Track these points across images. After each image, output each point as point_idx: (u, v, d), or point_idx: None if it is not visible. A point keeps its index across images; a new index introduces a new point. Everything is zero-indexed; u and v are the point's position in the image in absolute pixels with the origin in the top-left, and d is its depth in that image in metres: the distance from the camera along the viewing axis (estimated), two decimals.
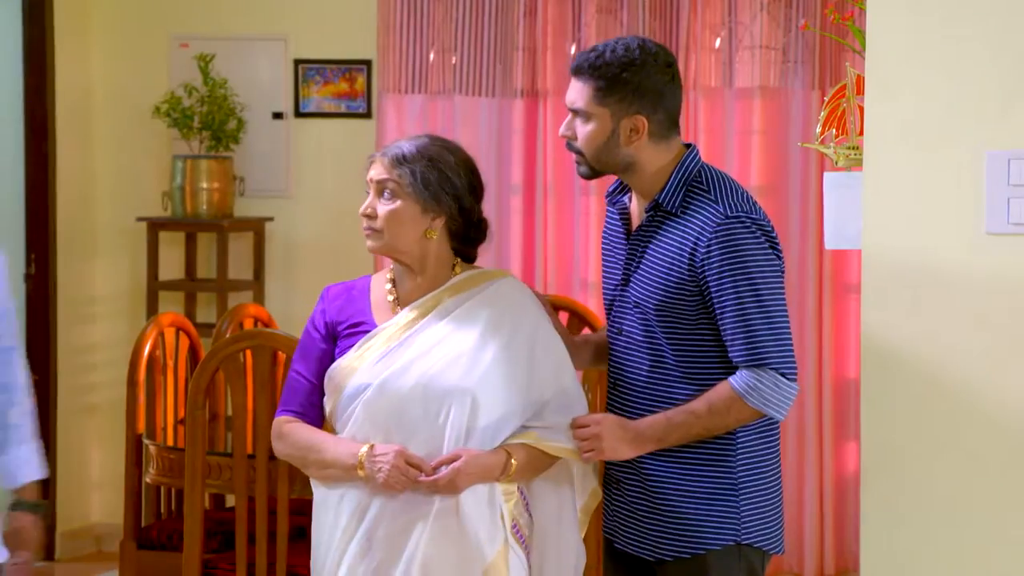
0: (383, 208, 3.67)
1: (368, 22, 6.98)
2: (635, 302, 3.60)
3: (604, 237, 3.79)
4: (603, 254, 3.78)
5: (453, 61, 6.98)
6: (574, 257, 6.99)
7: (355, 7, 7.01)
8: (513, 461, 3.64)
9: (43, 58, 6.96)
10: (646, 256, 3.60)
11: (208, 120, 6.90)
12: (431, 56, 7.00)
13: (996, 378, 4.18)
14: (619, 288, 3.66)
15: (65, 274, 6.97)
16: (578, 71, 3.59)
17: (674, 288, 3.54)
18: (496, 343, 3.68)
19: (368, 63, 7.02)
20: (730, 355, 3.53)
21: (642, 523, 3.61)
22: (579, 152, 3.62)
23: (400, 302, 3.73)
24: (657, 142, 3.60)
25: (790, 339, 3.55)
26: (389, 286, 3.75)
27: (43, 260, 7.00)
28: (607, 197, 3.77)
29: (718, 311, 3.52)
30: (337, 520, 3.66)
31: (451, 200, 3.69)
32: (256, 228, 7.02)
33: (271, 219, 7.06)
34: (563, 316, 5.31)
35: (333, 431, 3.71)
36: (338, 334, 3.73)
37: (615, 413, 3.66)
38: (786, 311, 3.57)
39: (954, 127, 4.17)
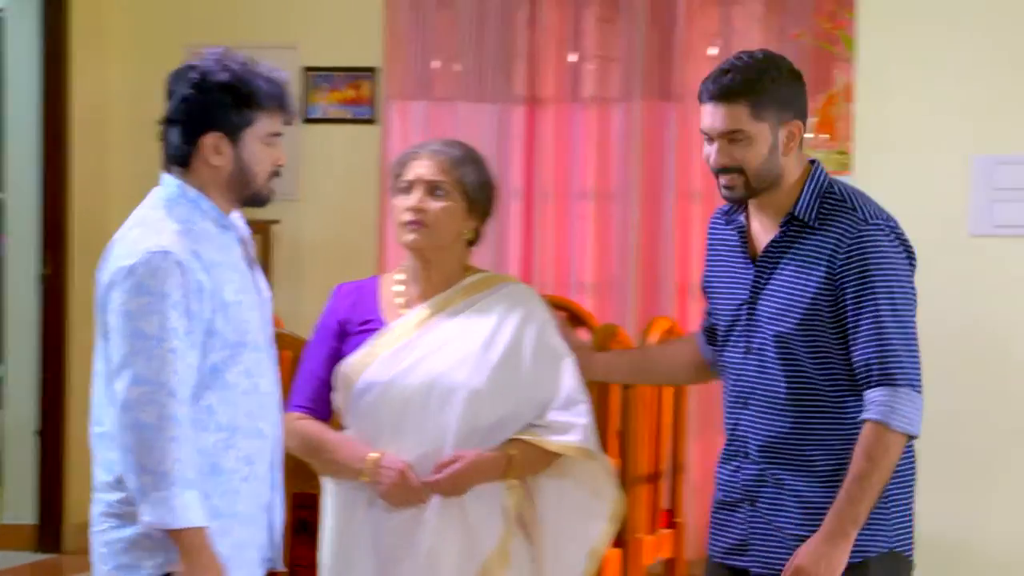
0: (435, 205, 3.71)
1: (374, 31, 7.06)
2: (770, 318, 3.48)
3: (715, 258, 3.68)
4: (714, 276, 3.67)
5: (456, 69, 7.08)
6: (571, 259, 7.07)
7: (362, 16, 7.07)
8: (515, 460, 3.69)
9: (60, 67, 7.11)
10: (780, 272, 3.48)
11: None
12: (435, 64, 7.11)
13: (980, 379, 4.33)
14: (745, 307, 3.53)
15: (80, 276, 7.03)
16: (724, 96, 3.45)
17: (811, 300, 3.43)
18: (503, 344, 3.72)
19: (374, 71, 7.08)
20: (859, 366, 3.40)
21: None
22: (737, 174, 3.47)
23: (410, 301, 3.77)
24: (800, 150, 3.52)
25: (918, 352, 3.43)
26: (400, 287, 3.80)
27: (59, 261, 7.13)
28: (723, 216, 3.66)
29: (852, 318, 3.40)
30: (347, 510, 3.70)
31: (488, 204, 3.80)
32: (263, 231, 7.04)
33: (278, 222, 7.07)
34: (561, 316, 5.28)
35: (341, 426, 3.74)
36: (348, 331, 3.76)
37: (743, 432, 3.53)
38: (915, 322, 3.44)
39: (940, 132, 4.30)
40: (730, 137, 3.45)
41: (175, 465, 3.13)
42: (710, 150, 3.49)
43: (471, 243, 3.82)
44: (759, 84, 3.44)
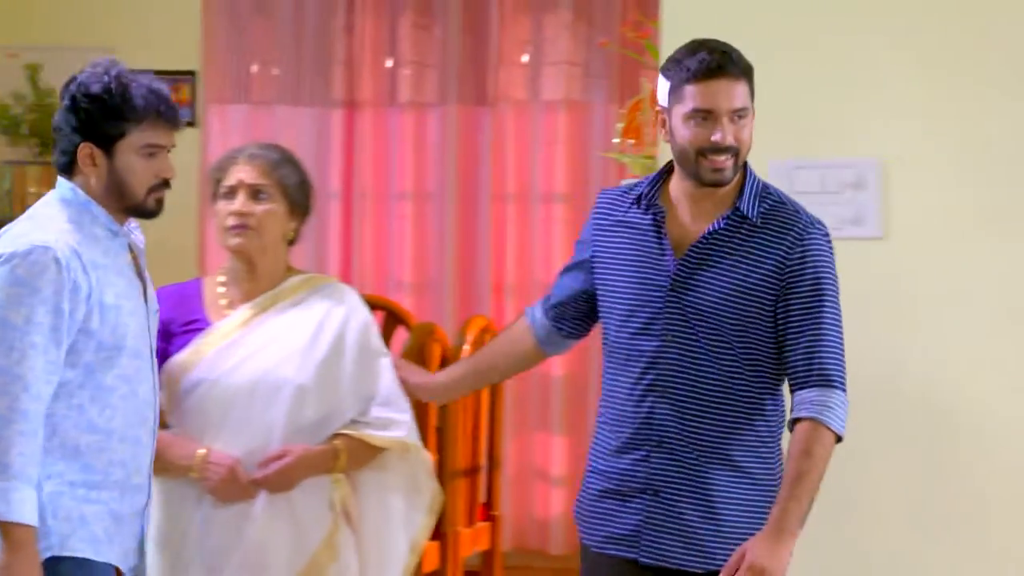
0: (259, 208, 3.73)
1: (192, 34, 7.00)
2: (705, 311, 3.38)
3: (612, 239, 3.52)
4: (610, 256, 3.51)
5: (275, 73, 7.08)
6: (389, 260, 7.12)
7: (180, 19, 7.00)
8: (341, 455, 3.73)
9: None
10: (714, 265, 3.38)
11: (37, 127, 6.84)
12: (254, 68, 7.10)
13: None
14: (665, 295, 3.41)
15: None
16: (738, 72, 3.36)
17: (753, 297, 3.37)
18: (327, 342, 3.75)
19: (193, 74, 7.00)
20: (797, 366, 3.37)
21: (695, 534, 3.41)
22: (732, 155, 3.37)
23: (234, 302, 3.78)
24: None
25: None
26: (222, 289, 3.80)
27: None
28: (632, 197, 3.51)
29: (797, 320, 3.37)
30: (176, 506, 3.69)
31: (308, 204, 3.84)
32: None
33: None
34: (379, 315, 5.39)
35: (167, 425, 3.70)
36: (173, 332, 3.74)
37: (660, 421, 3.42)
38: None
39: None
40: (739, 114, 3.35)
41: (19, 459, 3.09)
42: (701, 129, 3.34)
43: (291, 243, 3.84)
44: (751, 68, 3.39)
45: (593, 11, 6.89)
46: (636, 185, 3.54)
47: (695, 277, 3.40)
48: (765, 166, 4.31)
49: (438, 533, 5.09)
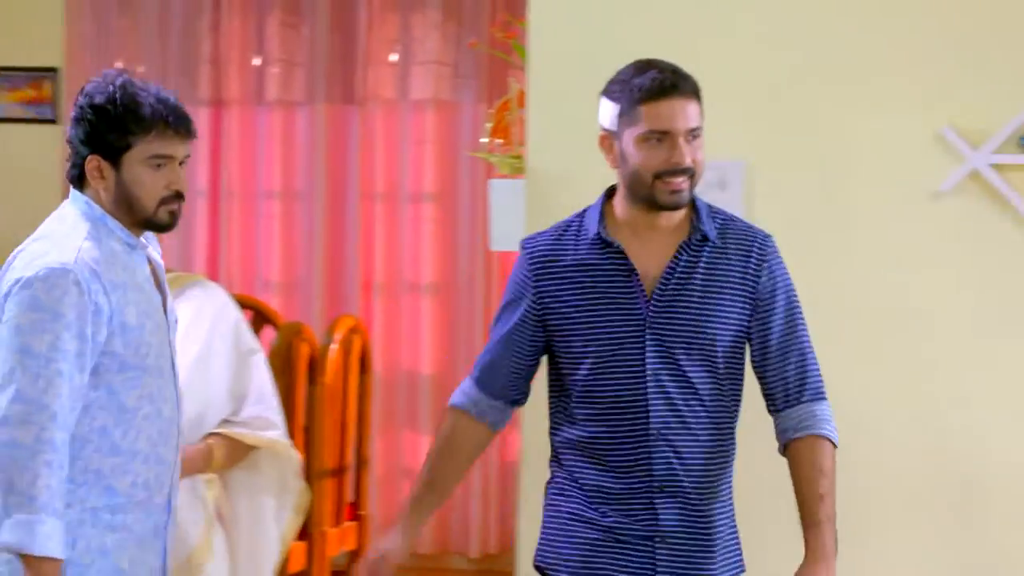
0: None
1: (55, 31, 6.94)
2: (690, 340, 3.17)
3: (574, 288, 3.22)
4: (577, 308, 3.21)
5: (140, 71, 7.01)
6: (257, 258, 7.11)
7: (42, 16, 6.94)
8: (215, 453, 3.73)
9: None
10: (685, 297, 3.18)
11: None
12: (118, 65, 6.99)
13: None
14: (640, 339, 3.17)
15: None
16: (692, 91, 3.18)
17: (735, 324, 3.21)
18: (198, 341, 3.76)
19: (55, 71, 6.96)
20: (784, 386, 3.24)
21: (703, 571, 3.24)
22: (690, 177, 3.17)
23: None
24: None
25: None
26: None
27: None
28: (580, 239, 3.24)
29: (780, 337, 3.24)
30: None
31: None
32: None
33: None
34: (246, 315, 5.29)
35: None
36: None
37: (665, 469, 3.18)
38: None
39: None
40: (694, 134, 3.17)
41: (45, 491, 3.00)
42: (655, 153, 3.15)
43: None
44: (699, 86, 3.22)
45: (462, 11, 6.92)
46: (569, 224, 3.29)
47: (672, 309, 3.18)
48: None
49: (305, 533, 5.11)
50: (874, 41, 4.32)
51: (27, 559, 3.00)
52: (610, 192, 3.29)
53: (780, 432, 3.27)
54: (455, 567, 7.09)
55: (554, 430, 3.32)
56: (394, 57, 6.95)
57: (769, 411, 3.28)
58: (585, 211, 3.29)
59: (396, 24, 6.95)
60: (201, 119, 7.05)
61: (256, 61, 7.06)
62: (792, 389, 3.24)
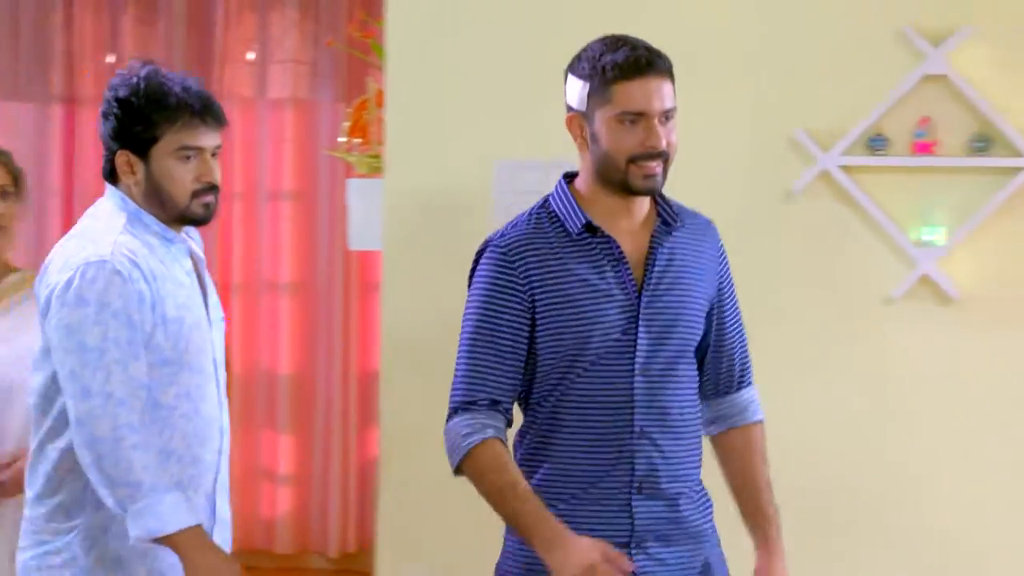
0: (9, 208, 3.69)
1: None
2: (671, 334, 3.04)
3: (561, 284, 3.01)
4: (569, 304, 3.01)
5: None
6: None
7: None
8: None
9: None
10: (674, 281, 3.06)
11: None
12: None
13: None
14: (629, 329, 3.01)
15: None
16: (660, 69, 2.98)
17: (703, 308, 3.11)
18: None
19: None
20: (728, 371, 3.19)
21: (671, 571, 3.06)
22: (664, 161, 3.00)
23: None
24: None
25: None
26: None
27: None
28: (562, 230, 3.05)
29: (732, 325, 3.19)
30: None
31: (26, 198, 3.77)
32: None
33: None
34: None
35: None
36: None
37: (648, 466, 3.01)
38: None
39: (466, 138, 4.44)
40: (669, 115, 3.00)
41: (145, 473, 2.94)
42: (629, 136, 2.98)
43: None
44: (672, 65, 3.05)
45: (320, 10, 6.88)
46: (534, 214, 3.08)
47: (659, 298, 3.04)
48: (491, 166, 4.38)
49: None
50: (728, 43, 4.37)
51: (169, 541, 2.95)
52: (568, 176, 3.12)
53: (720, 418, 3.20)
54: (314, 566, 7.07)
55: (525, 437, 3.11)
56: (251, 55, 6.90)
57: (708, 396, 3.20)
58: (546, 200, 3.10)
59: (253, 22, 6.90)
60: (54, 117, 6.96)
61: (110, 58, 6.96)
62: (737, 373, 3.19)
